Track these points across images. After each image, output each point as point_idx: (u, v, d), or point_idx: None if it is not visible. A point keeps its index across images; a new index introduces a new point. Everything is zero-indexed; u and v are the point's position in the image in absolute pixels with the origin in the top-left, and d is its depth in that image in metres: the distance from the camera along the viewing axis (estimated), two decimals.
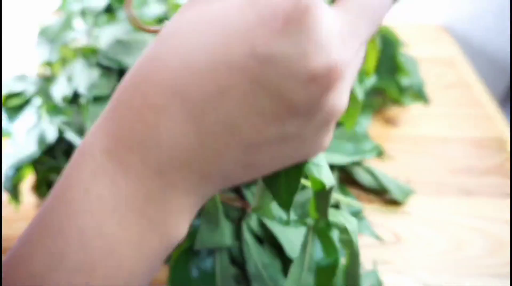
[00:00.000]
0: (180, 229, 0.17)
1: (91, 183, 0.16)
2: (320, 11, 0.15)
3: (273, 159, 0.18)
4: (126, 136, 0.16)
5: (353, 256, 0.27)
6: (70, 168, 0.17)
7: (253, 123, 0.16)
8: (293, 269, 0.27)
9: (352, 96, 0.24)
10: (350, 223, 0.26)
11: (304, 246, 0.27)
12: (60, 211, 0.16)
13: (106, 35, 0.41)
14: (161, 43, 0.16)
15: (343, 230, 0.26)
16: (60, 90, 0.39)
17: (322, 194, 0.23)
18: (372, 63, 0.26)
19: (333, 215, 0.27)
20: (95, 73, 0.38)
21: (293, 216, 0.33)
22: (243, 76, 0.15)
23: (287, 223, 0.25)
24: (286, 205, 0.22)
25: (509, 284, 0.35)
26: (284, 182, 0.22)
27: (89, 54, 0.41)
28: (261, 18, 0.15)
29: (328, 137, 0.19)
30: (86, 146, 0.17)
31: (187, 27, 0.16)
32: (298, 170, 0.22)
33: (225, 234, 0.29)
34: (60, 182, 0.17)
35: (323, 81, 0.16)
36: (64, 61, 0.44)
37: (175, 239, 0.18)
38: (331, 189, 0.23)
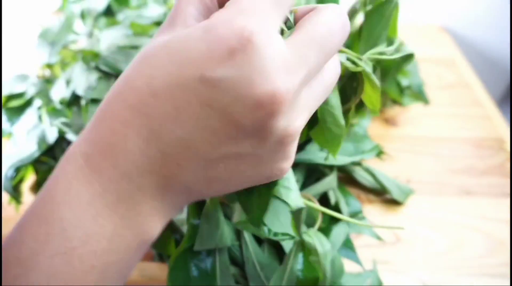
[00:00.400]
0: (151, 229, 0.20)
1: (72, 181, 0.18)
2: (264, 41, 0.16)
3: (232, 176, 0.20)
4: (100, 143, 0.18)
5: (324, 278, 0.28)
6: (58, 166, 0.19)
7: (207, 140, 0.18)
8: (273, 280, 0.28)
9: (336, 122, 0.25)
10: (323, 246, 0.28)
11: (288, 259, 0.28)
12: (46, 203, 0.18)
13: (106, 39, 0.41)
14: (133, 65, 0.18)
15: (313, 252, 0.28)
16: (59, 92, 0.40)
17: (295, 213, 0.25)
18: (373, 103, 0.26)
19: (309, 236, 0.28)
20: (93, 76, 0.38)
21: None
22: (194, 98, 0.17)
23: (275, 235, 0.26)
24: (256, 222, 0.24)
25: (509, 284, 0.35)
26: (256, 200, 0.24)
27: (88, 57, 0.41)
28: (210, 48, 0.17)
29: (287, 161, 0.21)
30: (71, 149, 0.19)
31: (153, 52, 0.18)
32: (268, 190, 0.24)
33: (225, 234, 0.29)
34: (50, 177, 0.19)
35: (267, 107, 0.17)
36: (63, 64, 0.44)
37: (147, 237, 0.20)
38: (300, 210, 0.25)
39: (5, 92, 0.43)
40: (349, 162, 0.41)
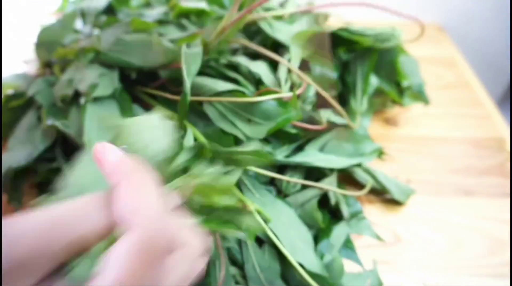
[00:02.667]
0: None
1: None
2: None
3: None
4: None
5: None
6: None
7: None
8: None
9: None
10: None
11: None
12: None
13: (107, 37, 0.40)
14: None
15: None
16: (60, 91, 0.39)
17: None
18: None
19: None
20: (95, 73, 0.38)
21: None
22: None
23: None
24: None
25: (509, 284, 0.35)
26: None
27: (90, 55, 0.41)
28: None
29: None
30: None
31: None
32: None
33: None
34: None
35: None
36: (64, 62, 0.44)
37: None
38: None
39: (5, 87, 0.43)
40: (348, 165, 0.41)
